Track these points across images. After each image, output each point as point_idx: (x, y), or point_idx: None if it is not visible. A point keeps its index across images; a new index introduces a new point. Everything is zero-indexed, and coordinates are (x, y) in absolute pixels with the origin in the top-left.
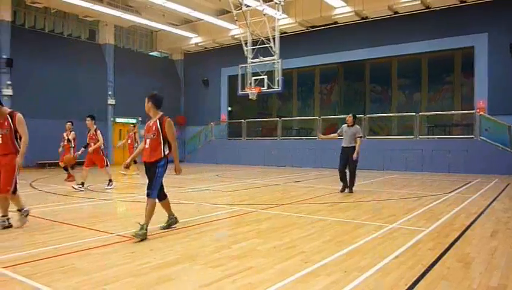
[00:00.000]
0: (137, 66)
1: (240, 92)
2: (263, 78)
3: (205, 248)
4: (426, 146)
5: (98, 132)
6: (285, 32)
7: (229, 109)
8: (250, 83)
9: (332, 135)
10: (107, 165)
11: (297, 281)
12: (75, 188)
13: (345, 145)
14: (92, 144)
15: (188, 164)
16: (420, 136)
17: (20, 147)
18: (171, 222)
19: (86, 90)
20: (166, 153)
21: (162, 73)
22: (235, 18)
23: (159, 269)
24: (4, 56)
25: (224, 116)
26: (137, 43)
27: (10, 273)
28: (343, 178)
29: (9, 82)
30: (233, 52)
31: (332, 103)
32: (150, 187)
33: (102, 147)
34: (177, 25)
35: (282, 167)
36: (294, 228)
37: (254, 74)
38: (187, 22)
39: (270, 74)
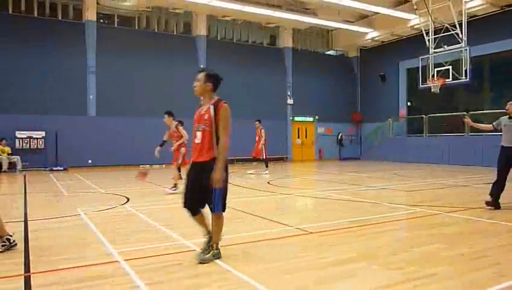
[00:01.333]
0: (313, 66)
1: (421, 86)
2: (448, 69)
3: (383, 249)
4: None
5: (181, 128)
6: (475, 16)
7: (408, 104)
8: (433, 75)
9: (483, 125)
10: (178, 167)
11: None
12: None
13: (505, 145)
14: (174, 141)
15: (364, 161)
16: None
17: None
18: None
19: (267, 92)
20: None
21: (338, 71)
22: (415, 7)
23: (337, 265)
24: (201, 66)
25: (403, 111)
26: (314, 43)
27: None
28: (498, 185)
29: None
30: (412, 43)
31: None
32: (211, 200)
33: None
34: (352, 22)
35: (470, 166)
36: (486, 235)
37: (437, 65)
38: (362, 18)
39: (456, 64)
